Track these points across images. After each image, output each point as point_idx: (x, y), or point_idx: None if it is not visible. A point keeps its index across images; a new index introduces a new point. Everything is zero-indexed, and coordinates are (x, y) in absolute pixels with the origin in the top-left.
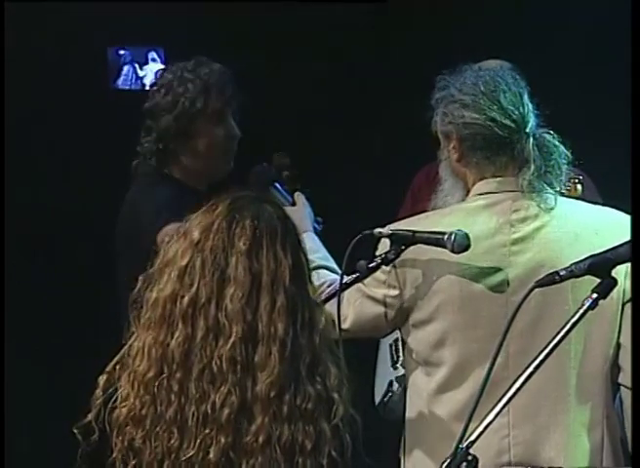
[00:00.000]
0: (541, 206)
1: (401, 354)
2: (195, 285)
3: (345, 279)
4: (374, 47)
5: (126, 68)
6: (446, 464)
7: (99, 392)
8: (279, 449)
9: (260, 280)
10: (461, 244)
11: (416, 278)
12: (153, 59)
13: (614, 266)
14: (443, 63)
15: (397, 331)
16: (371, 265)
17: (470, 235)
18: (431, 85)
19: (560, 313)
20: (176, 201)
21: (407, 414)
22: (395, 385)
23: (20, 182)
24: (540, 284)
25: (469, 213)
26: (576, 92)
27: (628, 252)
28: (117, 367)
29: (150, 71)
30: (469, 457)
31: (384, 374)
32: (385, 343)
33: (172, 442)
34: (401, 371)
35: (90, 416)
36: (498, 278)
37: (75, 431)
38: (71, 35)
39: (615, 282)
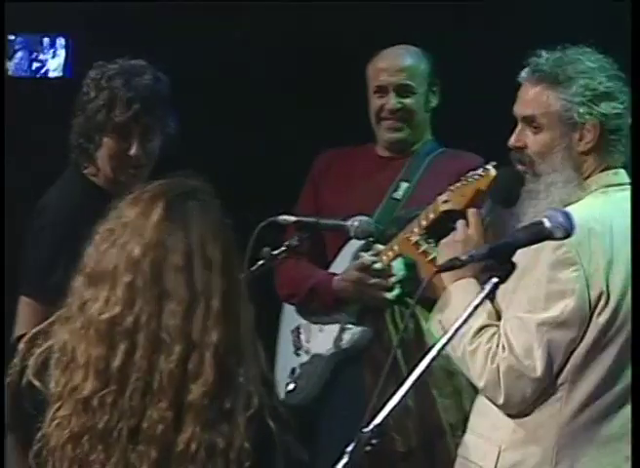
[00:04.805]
0: None
1: (303, 340)
2: (137, 303)
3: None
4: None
5: (19, 54)
6: (350, 449)
7: (16, 361)
8: (205, 454)
9: (196, 290)
10: (366, 230)
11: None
12: (51, 46)
13: (514, 251)
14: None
15: (299, 317)
16: (275, 252)
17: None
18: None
19: None
20: (80, 204)
21: None
22: (300, 374)
23: None
24: (444, 269)
25: None
26: None
27: (527, 236)
28: (40, 336)
29: (50, 59)
30: (373, 441)
31: (286, 361)
32: (287, 329)
33: (94, 456)
34: (304, 358)
35: (7, 381)
36: None
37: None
38: None
39: (513, 266)
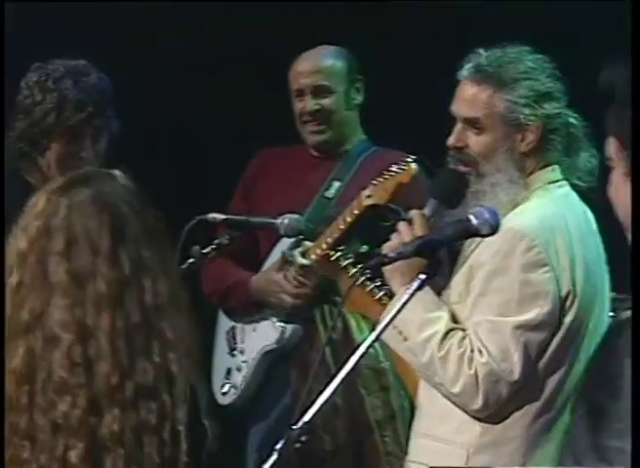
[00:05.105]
0: None
1: (238, 340)
2: (29, 300)
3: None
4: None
5: None
6: (280, 446)
7: None
8: (134, 433)
9: (79, 277)
10: (295, 228)
11: None
12: None
13: (440, 247)
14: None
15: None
16: (205, 250)
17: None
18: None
19: None
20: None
21: None
22: (235, 374)
23: None
24: (370, 266)
25: None
26: None
27: (454, 232)
28: None
29: None
30: (302, 438)
31: (222, 362)
32: (223, 329)
33: (26, 454)
34: (239, 358)
35: None
36: None
37: None
38: None
39: (440, 262)
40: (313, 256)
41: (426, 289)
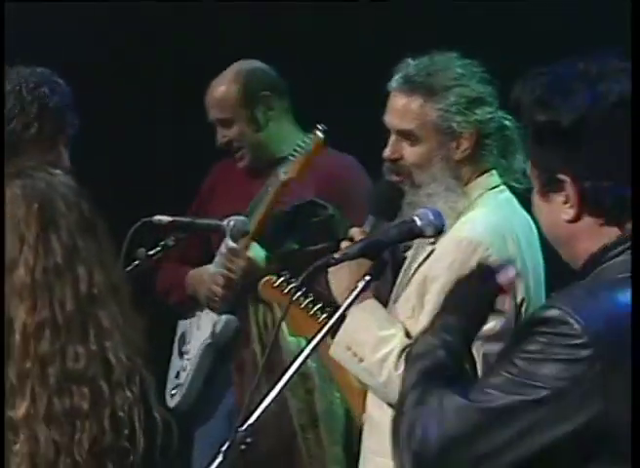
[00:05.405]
0: None
1: (186, 341)
2: None
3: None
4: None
5: None
6: (225, 448)
7: None
8: (65, 416)
9: (6, 268)
10: (241, 230)
11: None
12: None
13: (385, 248)
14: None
15: (186, 322)
16: (151, 253)
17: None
18: None
19: None
20: None
21: None
22: (182, 376)
23: None
24: (318, 266)
25: None
26: None
27: (399, 233)
28: None
29: None
30: (248, 440)
31: (174, 366)
32: (177, 335)
33: None
34: (186, 357)
35: None
36: None
37: None
38: None
39: (385, 264)
40: (242, 243)
41: (378, 306)
